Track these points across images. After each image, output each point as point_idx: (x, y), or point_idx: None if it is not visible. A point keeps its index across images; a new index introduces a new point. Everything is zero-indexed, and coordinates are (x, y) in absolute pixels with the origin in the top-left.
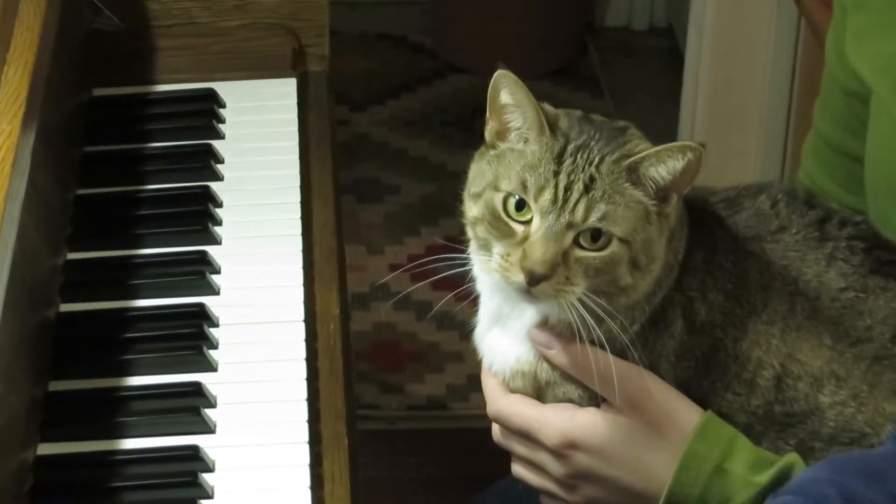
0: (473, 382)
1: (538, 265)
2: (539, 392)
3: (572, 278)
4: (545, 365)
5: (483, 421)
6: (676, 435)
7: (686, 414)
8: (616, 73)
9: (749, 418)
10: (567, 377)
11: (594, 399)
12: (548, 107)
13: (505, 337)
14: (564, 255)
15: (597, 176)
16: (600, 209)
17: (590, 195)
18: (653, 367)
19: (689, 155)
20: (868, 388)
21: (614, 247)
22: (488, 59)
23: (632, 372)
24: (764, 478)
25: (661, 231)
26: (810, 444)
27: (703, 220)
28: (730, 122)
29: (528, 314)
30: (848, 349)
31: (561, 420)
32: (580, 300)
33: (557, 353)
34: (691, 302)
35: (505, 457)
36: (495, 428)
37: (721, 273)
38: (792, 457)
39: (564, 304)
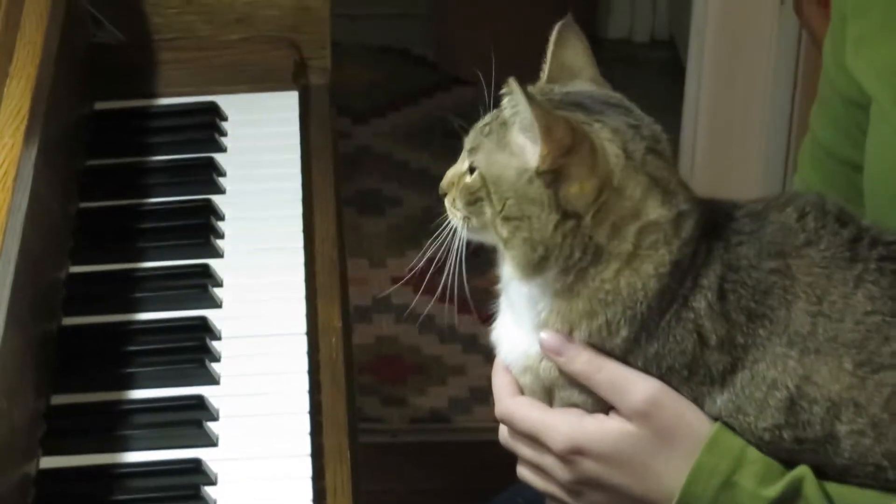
0: (476, 395)
1: (443, 182)
2: (548, 391)
3: (456, 201)
4: (547, 364)
5: (485, 434)
6: (686, 446)
7: (696, 425)
8: (617, 85)
9: (756, 442)
10: (572, 382)
11: (600, 405)
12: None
13: (519, 329)
14: (460, 179)
15: (505, 119)
16: (478, 140)
17: (483, 129)
18: (664, 378)
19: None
20: (889, 418)
21: (475, 176)
22: (490, 71)
23: (641, 381)
24: (772, 491)
25: (547, 201)
26: (820, 471)
27: (726, 237)
28: (731, 133)
29: (537, 305)
30: (870, 375)
31: (568, 426)
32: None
33: (567, 361)
34: (704, 320)
35: (507, 470)
36: (502, 429)
37: (745, 290)
38: (802, 469)
39: (458, 228)
